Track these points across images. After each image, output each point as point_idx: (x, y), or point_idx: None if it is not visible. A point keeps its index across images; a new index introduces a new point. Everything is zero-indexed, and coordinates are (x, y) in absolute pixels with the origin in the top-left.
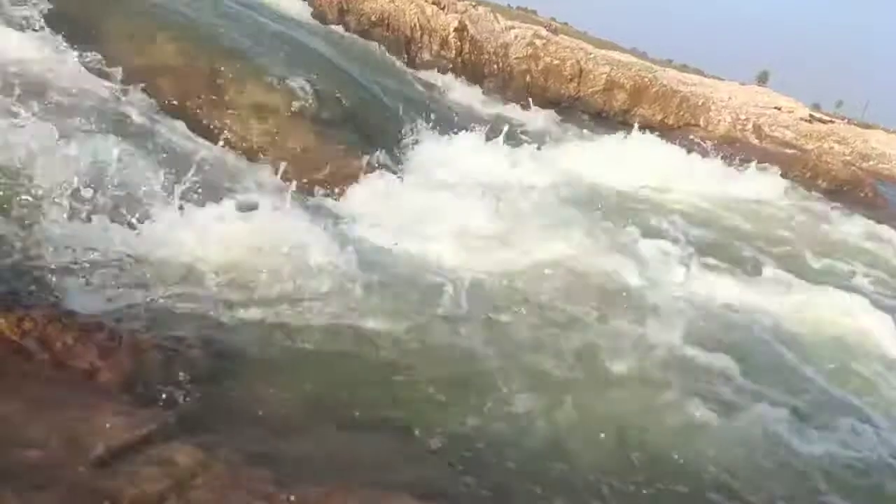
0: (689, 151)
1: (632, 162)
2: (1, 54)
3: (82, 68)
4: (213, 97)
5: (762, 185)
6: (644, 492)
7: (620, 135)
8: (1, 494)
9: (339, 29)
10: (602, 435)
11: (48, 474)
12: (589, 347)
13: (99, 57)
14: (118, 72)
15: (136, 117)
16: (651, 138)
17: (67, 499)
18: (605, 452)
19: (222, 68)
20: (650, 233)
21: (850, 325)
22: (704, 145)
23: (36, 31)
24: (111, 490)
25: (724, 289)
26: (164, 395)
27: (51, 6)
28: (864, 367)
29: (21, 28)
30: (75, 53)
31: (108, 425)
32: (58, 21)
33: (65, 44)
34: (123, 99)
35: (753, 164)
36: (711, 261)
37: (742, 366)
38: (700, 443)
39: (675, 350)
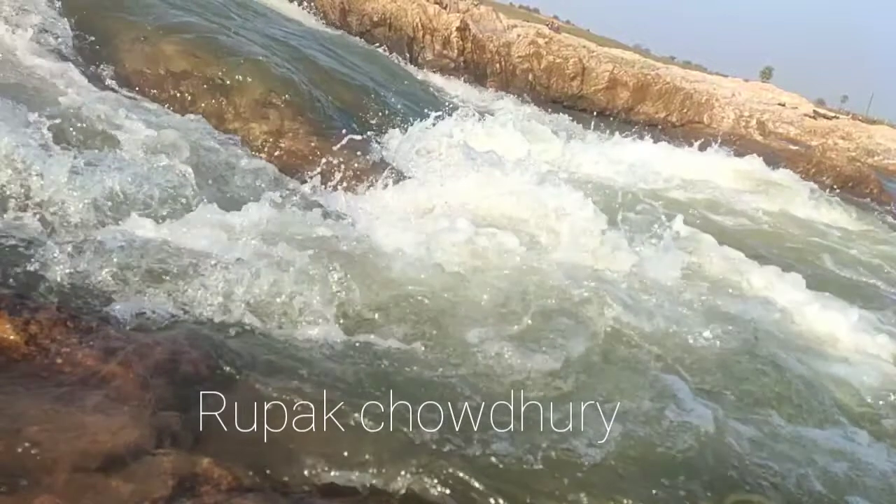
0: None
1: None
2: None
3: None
4: (218, 97)
5: None
6: None
7: None
8: (5, 497)
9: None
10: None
11: (53, 477)
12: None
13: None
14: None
15: (140, 117)
16: None
17: (72, 503)
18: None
19: (226, 69)
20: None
21: None
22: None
23: None
24: (116, 494)
25: None
26: (171, 399)
27: None
28: None
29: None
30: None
31: (114, 428)
32: None
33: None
34: (125, 101)
35: None
36: None
37: None
38: None
39: None
